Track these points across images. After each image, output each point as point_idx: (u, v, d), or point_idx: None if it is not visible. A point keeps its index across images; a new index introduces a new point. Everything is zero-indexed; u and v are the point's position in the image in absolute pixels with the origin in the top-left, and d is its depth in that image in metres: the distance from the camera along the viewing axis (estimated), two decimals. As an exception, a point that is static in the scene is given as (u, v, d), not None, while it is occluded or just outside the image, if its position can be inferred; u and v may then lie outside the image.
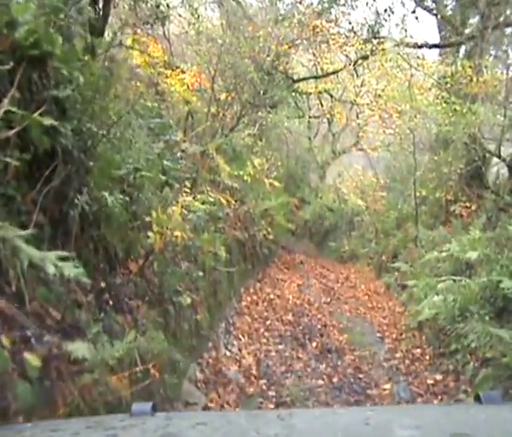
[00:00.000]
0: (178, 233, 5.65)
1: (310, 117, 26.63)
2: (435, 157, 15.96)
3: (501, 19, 14.84)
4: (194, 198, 7.01)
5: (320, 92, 24.15)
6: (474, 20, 16.79)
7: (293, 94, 21.18)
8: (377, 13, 17.38)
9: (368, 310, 11.73)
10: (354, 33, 17.29)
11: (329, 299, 12.58)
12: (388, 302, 12.49)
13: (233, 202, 11.20)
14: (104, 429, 1.73)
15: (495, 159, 14.04)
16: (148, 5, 10.19)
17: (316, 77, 21.60)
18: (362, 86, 21.40)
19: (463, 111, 12.41)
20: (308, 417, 1.93)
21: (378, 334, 9.82)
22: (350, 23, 17.99)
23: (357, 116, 25.30)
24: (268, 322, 9.94)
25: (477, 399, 1.85)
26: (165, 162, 7.22)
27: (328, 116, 27.29)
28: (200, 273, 7.40)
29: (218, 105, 12.41)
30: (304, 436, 1.64)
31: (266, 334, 9.28)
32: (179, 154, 9.71)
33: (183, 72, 12.50)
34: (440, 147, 16.14)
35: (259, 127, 17.96)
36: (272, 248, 15.58)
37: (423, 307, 8.49)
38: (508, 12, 15.18)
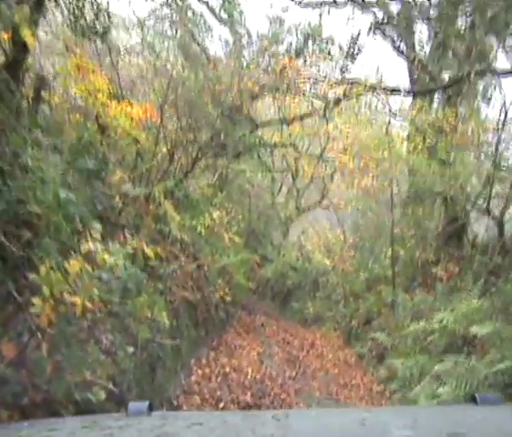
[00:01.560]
0: (76, 299, 3.71)
1: (273, 172, 24.97)
2: (410, 213, 14.31)
3: (484, 65, 13.37)
4: (106, 249, 5.10)
5: (284, 145, 22.65)
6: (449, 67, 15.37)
7: (257, 143, 19.51)
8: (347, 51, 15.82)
9: (341, 389, 9.81)
10: (324, 77, 15.71)
11: (294, 373, 10.62)
12: (363, 378, 10.61)
13: (183, 258, 9.32)
14: (100, 428, 1.71)
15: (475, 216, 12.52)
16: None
17: (282, 122, 19.88)
18: (332, 133, 19.68)
19: (449, 161, 10.84)
20: (304, 418, 1.94)
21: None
22: (319, 68, 16.49)
23: (325, 168, 23.74)
24: (221, 405, 7.97)
25: (473, 400, 1.84)
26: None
27: (293, 170, 25.74)
28: (130, 349, 5.47)
29: (170, 144, 10.58)
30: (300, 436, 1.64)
31: (218, 422, 7.32)
32: (117, 198, 7.89)
33: (131, 105, 10.67)
34: (413, 202, 14.54)
35: (219, 177, 16.33)
36: (230, 310, 13.66)
37: (416, 395, 6.63)
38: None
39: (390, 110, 14.63)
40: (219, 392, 8.46)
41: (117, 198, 7.90)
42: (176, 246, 9.52)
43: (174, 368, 7.91)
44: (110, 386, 4.50)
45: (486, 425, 1.70)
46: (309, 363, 11.88)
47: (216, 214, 14.14)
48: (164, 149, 10.88)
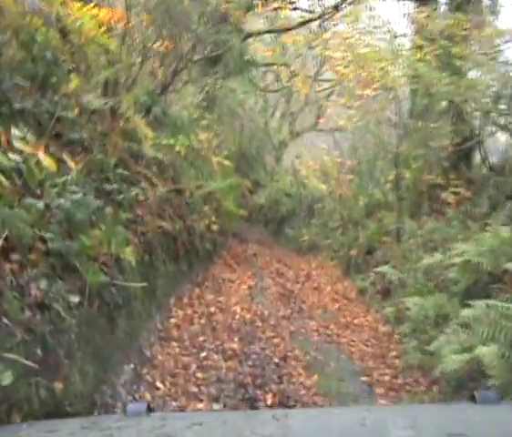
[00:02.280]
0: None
1: (265, 92, 23.43)
2: (415, 131, 12.81)
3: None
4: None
5: (276, 64, 21.12)
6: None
7: (249, 61, 17.86)
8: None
9: (342, 330, 8.51)
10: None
11: (289, 311, 9.29)
12: (366, 316, 9.33)
13: (159, 182, 7.92)
14: (99, 429, 1.70)
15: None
16: None
17: (272, 32, 18.17)
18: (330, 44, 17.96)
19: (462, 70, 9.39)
20: (304, 417, 1.93)
21: (363, 378, 6.55)
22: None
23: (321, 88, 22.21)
24: (203, 354, 6.69)
25: (473, 398, 1.81)
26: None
27: (287, 91, 24.26)
28: (75, 299, 4.14)
29: (143, 52, 9.04)
30: (300, 436, 1.63)
31: (198, 377, 6.03)
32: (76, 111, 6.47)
33: (98, 8, 9.03)
34: (420, 118, 13.01)
35: (206, 97, 14.84)
36: (218, 240, 12.30)
37: (439, 348, 5.32)
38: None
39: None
40: (201, 338, 7.19)
41: (76, 111, 6.45)
42: (151, 169, 8.10)
43: (147, 312, 6.61)
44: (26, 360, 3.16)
45: (486, 424, 1.68)
46: (305, 298, 10.59)
47: (203, 136, 12.86)
48: (138, 60, 9.34)
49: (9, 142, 4.03)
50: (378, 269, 9.49)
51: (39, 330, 3.57)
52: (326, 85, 22.86)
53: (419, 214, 11.23)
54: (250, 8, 14.82)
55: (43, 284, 3.83)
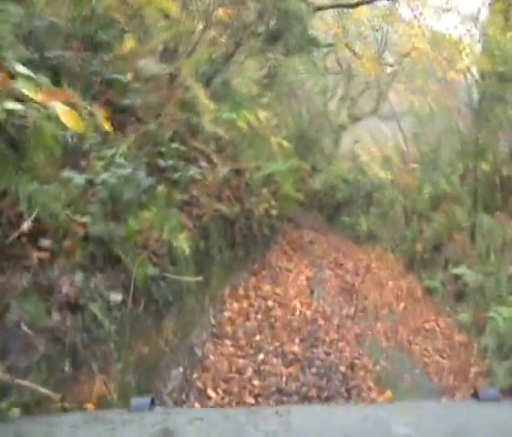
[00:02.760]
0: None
1: (325, 74, 22.47)
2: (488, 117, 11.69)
3: None
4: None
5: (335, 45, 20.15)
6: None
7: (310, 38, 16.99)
8: None
9: (413, 335, 7.59)
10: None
11: (352, 310, 8.40)
12: (437, 320, 8.37)
13: (219, 160, 7.10)
14: (102, 423, 1.64)
15: None
16: None
17: (341, 6, 17.23)
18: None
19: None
20: (306, 413, 1.86)
21: (443, 396, 5.64)
22: None
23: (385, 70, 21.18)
24: (260, 357, 5.90)
25: (475, 395, 1.79)
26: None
27: (346, 74, 23.38)
28: (117, 297, 3.38)
29: (205, 19, 8.22)
30: (302, 433, 1.63)
31: (255, 385, 5.23)
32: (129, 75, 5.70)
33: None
34: (495, 101, 11.85)
35: (267, 74, 14.05)
36: (276, 225, 11.46)
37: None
38: None
39: None
40: (258, 337, 6.39)
41: (129, 76, 5.67)
42: (210, 145, 7.30)
43: (200, 306, 5.84)
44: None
45: (489, 421, 1.66)
46: (367, 294, 9.68)
47: (262, 115, 12.10)
48: (200, 27, 8.54)
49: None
50: (454, 271, 8.51)
51: (69, 339, 2.79)
52: (389, 69, 21.87)
53: (492, 209, 10.21)
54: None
55: (78, 278, 3.07)
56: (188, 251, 4.77)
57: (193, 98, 6.54)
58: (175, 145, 5.76)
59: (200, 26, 8.39)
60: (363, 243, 16.50)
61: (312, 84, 21.67)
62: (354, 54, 21.23)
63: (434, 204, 13.19)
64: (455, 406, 2.14)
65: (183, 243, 4.60)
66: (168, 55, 7.00)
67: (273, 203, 9.79)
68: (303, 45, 15.52)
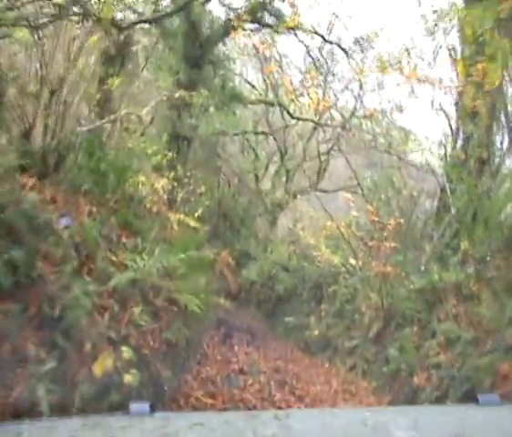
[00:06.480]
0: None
1: (258, 133, 17.90)
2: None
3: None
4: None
5: (268, 103, 15.86)
6: None
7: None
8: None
9: None
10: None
11: None
12: None
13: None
14: (102, 428, 1.65)
15: None
16: None
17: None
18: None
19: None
20: (305, 417, 1.89)
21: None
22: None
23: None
24: None
25: (475, 400, 1.79)
26: None
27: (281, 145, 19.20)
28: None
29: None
30: (301, 436, 1.59)
31: None
32: None
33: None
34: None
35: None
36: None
37: None
38: None
39: None
40: None
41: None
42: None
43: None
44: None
45: (488, 425, 1.64)
46: None
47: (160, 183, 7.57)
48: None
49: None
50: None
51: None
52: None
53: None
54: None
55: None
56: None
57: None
58: None
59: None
60: (314, 354, 11.73)
61: (238, 150, 17.18)
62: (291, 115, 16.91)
63: (429, 301, 8.16)
64: (454, 410, 2.20)
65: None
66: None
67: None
68: (224, 100, 11.67)
